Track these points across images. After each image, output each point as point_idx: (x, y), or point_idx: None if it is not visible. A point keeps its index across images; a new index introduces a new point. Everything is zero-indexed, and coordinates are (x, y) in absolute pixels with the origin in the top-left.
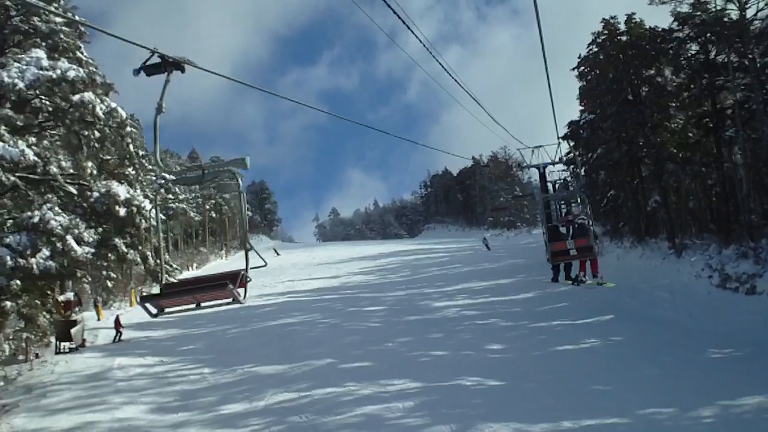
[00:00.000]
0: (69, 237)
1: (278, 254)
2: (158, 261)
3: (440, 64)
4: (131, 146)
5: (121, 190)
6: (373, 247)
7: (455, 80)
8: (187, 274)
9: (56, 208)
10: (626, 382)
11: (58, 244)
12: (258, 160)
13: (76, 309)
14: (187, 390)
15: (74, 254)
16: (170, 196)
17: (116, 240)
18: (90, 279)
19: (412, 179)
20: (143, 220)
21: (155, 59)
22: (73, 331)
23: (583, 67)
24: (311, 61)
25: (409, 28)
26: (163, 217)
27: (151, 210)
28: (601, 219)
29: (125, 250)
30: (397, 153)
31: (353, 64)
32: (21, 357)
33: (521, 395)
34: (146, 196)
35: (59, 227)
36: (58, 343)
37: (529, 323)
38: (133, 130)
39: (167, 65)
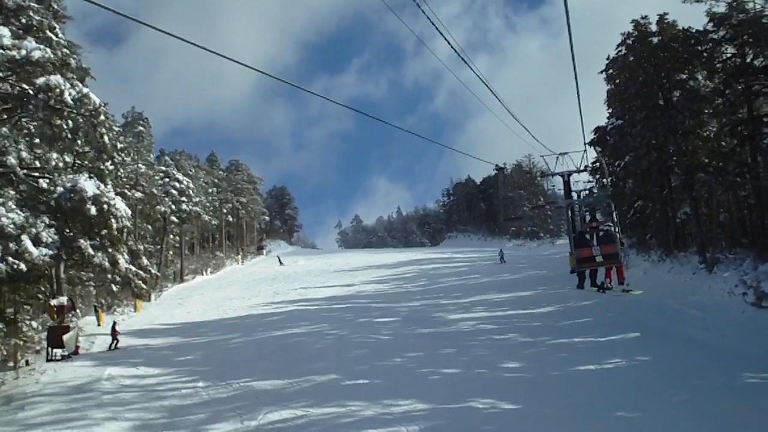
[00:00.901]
0: (25, 237)
1: (281, 263)
2: (134, 265)
3: (470, 67)
4: (106, 137)
5: (89, 186)
6: (392, 255)
7: (482, 81)
8: (201, 278)
9: (10, 204)
10: (653, 410)
11: (11, 245)
12: (283, 166)
13: (71, 314)
14: (176, 406)
15: (29, 256)
16: (184, 198)
17: (81, 241)
18: (93, 283)
19: (437, 188)
20: (114, 220)
21: None
22: (65, 337)
23: (611, 70)
24: (339, 69)
25: (440, 32)
26: (176, 220)
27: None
28: (627, 231)
29: (91, 252)
30: (423, 161)
31: (381, 72)
32: (11, 364)
33: (537, 422)
34: (121, 194)
35: (11, 225)
36: (50, 349)
37: (548, 339)
38: (108, 119)
39: None
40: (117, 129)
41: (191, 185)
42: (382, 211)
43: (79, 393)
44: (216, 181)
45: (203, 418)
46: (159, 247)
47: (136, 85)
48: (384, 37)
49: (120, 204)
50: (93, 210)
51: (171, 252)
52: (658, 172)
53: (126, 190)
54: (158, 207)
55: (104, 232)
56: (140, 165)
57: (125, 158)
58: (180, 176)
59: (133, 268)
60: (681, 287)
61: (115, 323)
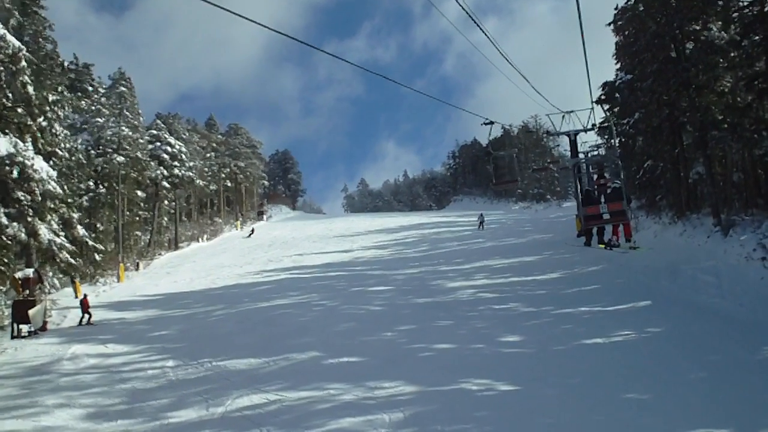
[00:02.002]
0: None
1: (251, 234)
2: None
3: (480, 27)
4: (30, 88)
5: (1, 143)
6: (396, 219)
7: (491, 41)
8: (196, 245)
9: None
10: (667, 390)
11: None
12: (292, 131)
13: (37, 287)
14: (138, 389)
15: None
16: (176, 163)
17: None
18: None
19: (445, 151)
20: (34, 184)
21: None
22: (31, 312)
23: (620, 21)
24: (349, 33)
25: None
26: (168, 186)
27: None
28: (636, 192)
29: (5, 222)
30: (431, 125)
31: (390, 36)
32: None
33: (538, 406)
34: (46, 154)
35: None
36: (14, 326)
37: (553, 309)
38: (33, 66)
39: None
40: (102, 90)
41: (184, 149)
42: (391, 175)
43: (36, 375)
44: (214, 145)
45: (165, 404)
46: (151, 213)
47: (144, 52)
48: (392, 1)
49: (41, 164)
50: (14, 173)
51: (166, 218)
52: (669, 129)
53: (109, 152)
54: (146, 172)
55: (21, 197)
56: (123, 128)
57: (59, 112)
58: (172, 140)
59: (59, 240)
60: (694, 251)
61: (85, 296)
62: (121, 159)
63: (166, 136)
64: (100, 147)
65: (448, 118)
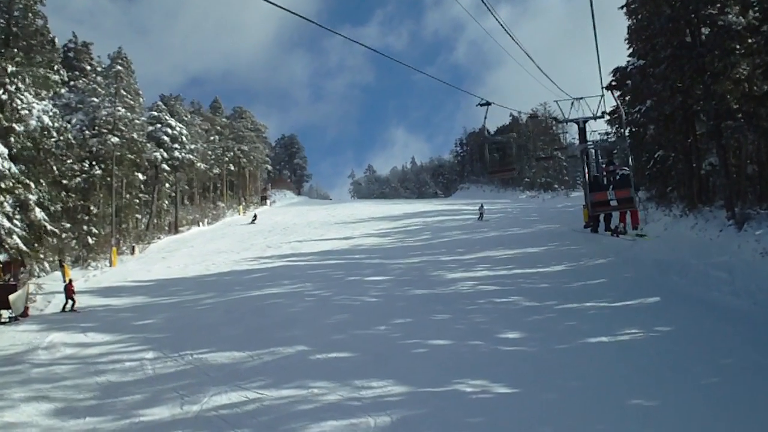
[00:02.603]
0: None
1: (254, 220)
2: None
3: (492, 13)
4: None
5: None
6: (400, 206)
7: (503, 27)
8: (196, 230)
9: None
10: (676, 396)
11: None
12: (302, 117)
13: (20, 270)
14: (112, 383)
15: None
16: (176, 145)
17: None
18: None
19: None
20: None
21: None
22: (11, 297)
23: (633, 4)
24: (362, 20)
25: None
26: (168, 168)
27: None
28: (646, 182)
29: None
30: (441, 112)
31: (402, 24)
32: None
33: (536, 412)
34: (7, 129)
35: None
36: None
37: (556, 304)
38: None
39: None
40: (100, 70)
41: (185, 131)
42: (401, 162)
43: (8, 365)
44: (218, 128)
45: (138, 401)
46: (150, 196)
47: (155, 36)
48: None
49: None
50: None
51: (167, 202)
52: (682, 117)
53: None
54: (144, 154)
55: None
56: (119, 108)
57: (20, 84)
58: (173, 122)
59: (8, 225)
60: (706, 246)
61: (70, 281)
62: (115, 140)
63: (167, 117)
64: (96, 127)
65: (458, 106)
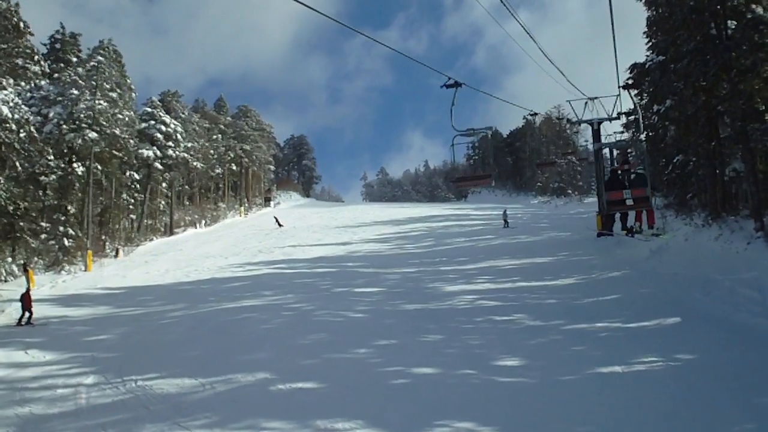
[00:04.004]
0: None
1: (278, 224)
2: None
3: (514, 16)
4: None
5: None
6: (407, 210)
7: (524, 29)
8: (192, 231)
9: None
10: None
11: None
12: (319, 119)
13: None
14: (34, 416)
15: None
16: (170, 143)
17: None
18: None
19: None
20: None
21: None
22: None
23: None
24: (383, 24)
25: None
26: (160, 167)
27: None
28: (663, 189)
29: None
30: (459, 117)
31: (422, 28)
32: None
33: None
34: None
35: None
36: None
37: (564, 324)
38: None
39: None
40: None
41: (180, 128)
42: (415, 165)
43: None
44: (222, 127)
45: None
46: (141, 195)
47: (174, 36)
48: None
49: None
50: None
51: (163, 202)
52: (706, 118)
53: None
54: (134, 151)
55: None
56: (100, 101)
57: None
58: (167, 119)
59: None
60: (732, 260)
61: (27, 290)
62: (93, 135)
63: (161, 114)
64: (77, 122)
65: (475, 111)
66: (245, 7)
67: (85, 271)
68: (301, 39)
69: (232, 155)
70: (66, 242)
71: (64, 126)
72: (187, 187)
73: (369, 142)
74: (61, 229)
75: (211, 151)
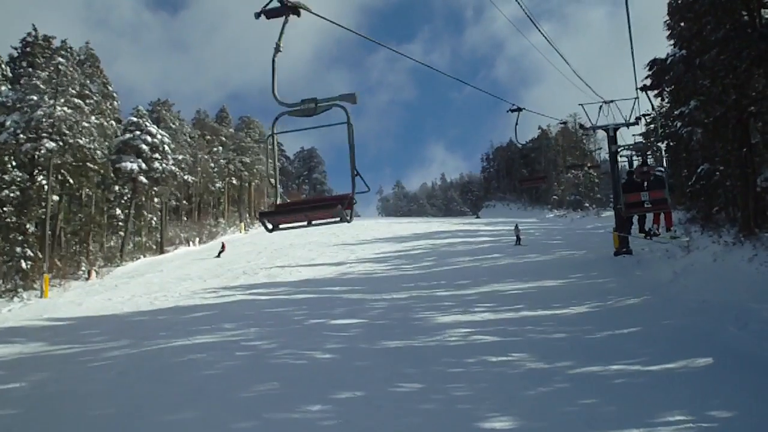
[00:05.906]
0: None
1: (221, 252)
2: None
3: (536, 27)
4: None
5: None
6: (414, 226)
7: (547, 39)
8: (183, 249)
9: None
10: None
11: None
12: (338, 133)
13: None
14: None
15: None
16: (156, 155)
17: None
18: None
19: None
20: None
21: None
22: None
23: None
24: (407, 37)
25: None
26: (145, 181)
27: None
28: (686, 202)
29: None
30: (480, 130)
31: (444, 42)
32: None
33: None
34: None
35: None
36: None
37: (572, 366)
38: None
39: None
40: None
41: (167, 140)
42: (434, 179)
43: None
44: (223, 139)
45: None
46: (125, 212)
47: (195, 51)
48: (445, 6)
49: None
50: None
51: (155, 219)
52: (736, 120)
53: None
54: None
55: None
56: (63, 108)
57: None
58: (153, 129)
59: None
60: None
61: None
62: (51, 145)
63: (147, 124)
64: (37, 131)
65: (495, 125)
66: (266, 20)
67: (41, 297)
68: (322, 52)
69: (232, 168)
70: (24, 264)
71: (21, 135)
72: (185, 202)
73: (391, 156)
74: (19, 250)
75: (211, 164)
